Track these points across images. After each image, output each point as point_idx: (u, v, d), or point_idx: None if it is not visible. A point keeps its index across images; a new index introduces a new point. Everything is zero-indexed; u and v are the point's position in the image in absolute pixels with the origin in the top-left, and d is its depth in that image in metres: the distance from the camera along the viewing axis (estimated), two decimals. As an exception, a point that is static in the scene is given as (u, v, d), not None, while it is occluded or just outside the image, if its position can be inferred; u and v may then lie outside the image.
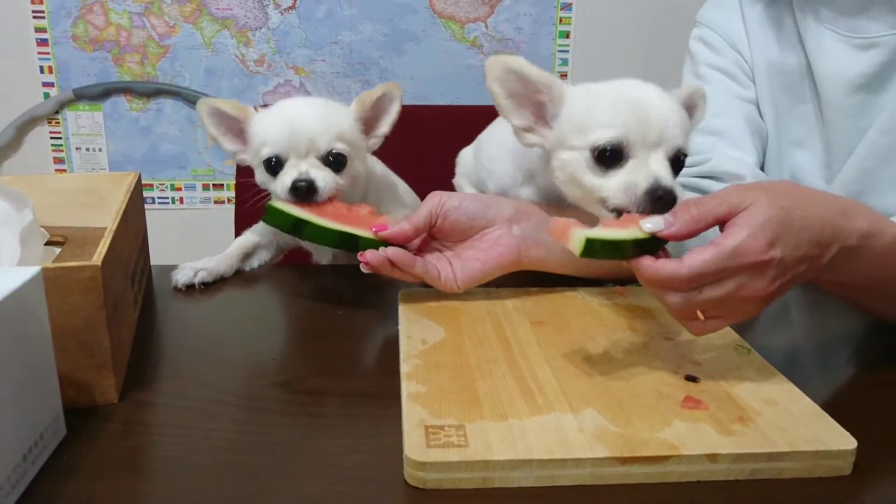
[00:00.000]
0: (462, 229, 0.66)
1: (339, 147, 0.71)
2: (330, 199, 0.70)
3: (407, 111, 1.54)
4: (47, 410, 0.45)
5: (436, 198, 0.66)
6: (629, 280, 0.71)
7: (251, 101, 1.77)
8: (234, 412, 0.50)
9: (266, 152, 0.70)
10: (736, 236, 0.48)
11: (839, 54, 0.78)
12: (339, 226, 0.64)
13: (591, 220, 0.54)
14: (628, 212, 0.57)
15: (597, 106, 0.61)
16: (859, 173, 0.77)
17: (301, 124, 0.70)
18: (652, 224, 0.50)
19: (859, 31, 0.77)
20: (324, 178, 0.69)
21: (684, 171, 0.80)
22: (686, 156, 0.61)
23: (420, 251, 0.66)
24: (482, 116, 0.81)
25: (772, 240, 0.48)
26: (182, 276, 0.71)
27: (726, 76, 0.85)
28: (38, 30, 1.73)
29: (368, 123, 0.77)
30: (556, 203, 0.68)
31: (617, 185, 0.58)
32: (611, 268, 0.70)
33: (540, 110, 0.63)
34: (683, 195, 0.58)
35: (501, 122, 0.74)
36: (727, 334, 0.59)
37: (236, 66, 1.79)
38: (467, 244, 0.67)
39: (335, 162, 0.71)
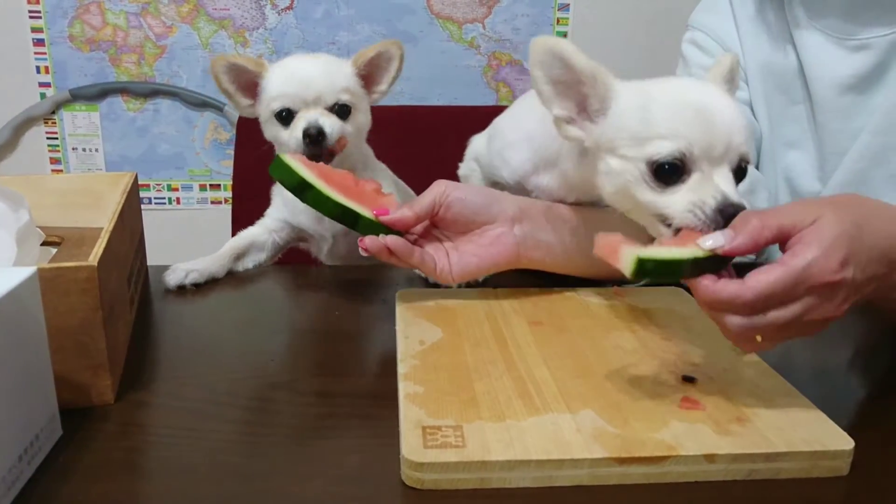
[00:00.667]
0: (464, 222, 0.65)
1: (345, 98, 0.77)
2: (335, 149, 0.75)
3: (405, 111, 1.55)
4: (43, 411, 0.45)
5: (441, 186, 0.64)
6: (628, 281, 0.71)
7: (248, 102, 1.78)
8: (231, 413, 0.50)
9: (277, 105, 0.76)
10: (805, 255, 0.44)
11: (830, 55, 0.78)
12: (342, 198, 0.62)
13: (623, 227, 0.51)
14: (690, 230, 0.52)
15: (655, 112, 0.54)
16: (853, 174, 0.77)
17: (309, 78, 0.76)
18: (713, 241, 0.46)
19: (851, 33, 0.77)
20: (331, 124, 0.75)
21: None
22: (748, 163, 0.56)
23: (420, 237, 0.65)
24: (480, 117, 0.81)
25: (844, 259, 0.44)
26: (173, 278, 0.71)
27: None
28: (34, 30, 1.72)
29: (368, 79, 0.80)
30: (575, 194, 0.67)
31: (682, 204, 0.53)
32: (611, 270, 0.70)
33: (584, 101, 0.58)
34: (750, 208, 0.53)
35: (522, 105, 0.74)
36: (725, 335, 0.59)
37: (233, 67, 1.79)
38: (467, 238, 0.66)
39: (341, 112, 0.77)
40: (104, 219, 0.58)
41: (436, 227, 0.67)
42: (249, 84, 0.78)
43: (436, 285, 0.68)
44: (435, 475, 0.42)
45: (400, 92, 1.82)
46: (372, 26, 1.78)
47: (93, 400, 0.50)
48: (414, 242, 0.64)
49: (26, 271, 0.44)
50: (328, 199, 0.62)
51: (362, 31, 1.78)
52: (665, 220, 0.54)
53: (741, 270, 0.47)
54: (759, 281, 0.44)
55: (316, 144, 0.74)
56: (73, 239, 0.70)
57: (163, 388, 0.53)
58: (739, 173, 0.55)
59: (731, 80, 0.61)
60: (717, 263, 0.46)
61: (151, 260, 0.77)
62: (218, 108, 1.80)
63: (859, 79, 0.77)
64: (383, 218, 0.63)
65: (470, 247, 0.65)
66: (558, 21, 1.81)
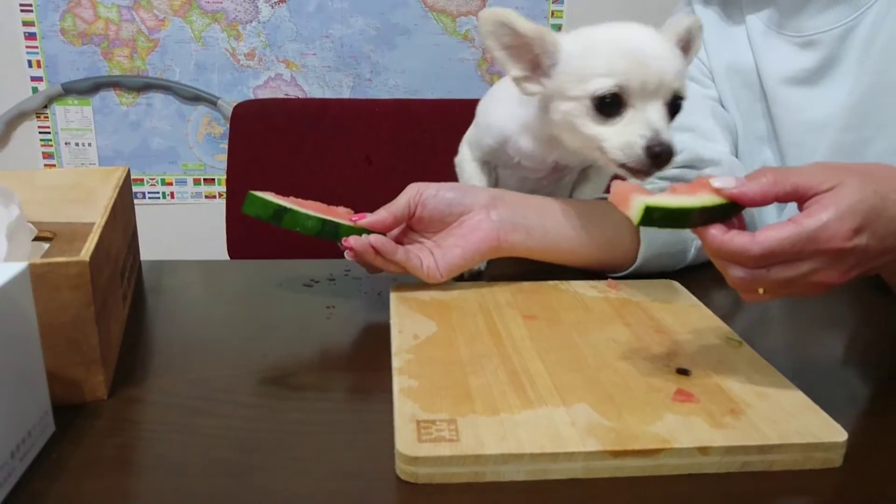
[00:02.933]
0: (441, 216, 0.67)
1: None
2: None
3: (399, 105, 1.55)
4: (35, 407, 0.45)
5: (413, 188, 0.67)
6: (617, 272, 0.71)
7: (242, 97, 1.77)
8: (224, 408, 0.50)
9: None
10: (820, 216, 0.44)
11: (781, 53, 0.81)
12: (320, 214, 0.65)
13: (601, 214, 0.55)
14: (630, 168, 0.59)
15: (594, 54, 0.61)
16: None
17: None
18: (722, 182, 0.46)
19: (799, 30, 0.80)
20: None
21: None
22: (683, 99, 0.61)
23: (399, 243, 0.66)
24: (474, 110, 0.81)
25: (860, 226, 0.44)
26: None
27: (688, 79, 0.88)
28: (25, 23, 1.71)
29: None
30: (551, 151, 0.70)
31: (616, 140, 0.59)
32: (597, 258, 0.71)
33: (536, 60, 0.64)
34: (680, 151, 0.61)
35: (501, 83, 0.76)
36: (719, 327, 0.59)
37: (227, 60, 1.78)
38: (447, 232, 0.67)
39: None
40: (96, 214, 0.58)
41: (413, 230, 0.68)
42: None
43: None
44: (429, 469, 0.42)
45: (394, 85, 1.82)
46: (365, 19, 1.77)
47: (85, 396, 0.50)
48: None
49: (17, 267, 0.43)
50: (307, 216, 0.64)
51: (356, 24, 1.78)
52: (604, 153, 0.60)
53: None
54: (769, 237, 0.44)
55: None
56: (65, 234, 0.69)
57: (156, 384, 0.53)
58: (675, 108, 0.61)
59: (688, 41, 0.65)
60: (725, 213, 0.46)
61: (145, 255, 0.77)
62: (211, 103, 1.79)
63: (809, 72, 0.80)
64: (361, 222, 0.65)
65: (451, 240, 0.66)
66: (552, 14, 1.81)
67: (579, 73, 0.61)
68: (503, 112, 0.73)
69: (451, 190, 0.68)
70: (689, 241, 0.74)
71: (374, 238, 0.63)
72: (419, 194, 0.67)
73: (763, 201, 0.46)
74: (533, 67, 0.64)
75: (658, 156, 0.57)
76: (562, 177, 0.77)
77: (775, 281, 0.45)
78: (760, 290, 0.47)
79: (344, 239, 0.64)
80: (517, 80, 0.65)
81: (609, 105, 0.59)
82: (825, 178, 0.45)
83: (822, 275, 0.45)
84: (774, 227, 0.45)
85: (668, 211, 0.46)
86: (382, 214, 0.65)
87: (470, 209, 0.67)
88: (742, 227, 0.47)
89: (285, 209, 0.64)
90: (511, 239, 0.67)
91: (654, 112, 0.59)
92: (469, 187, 0.70)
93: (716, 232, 0.46)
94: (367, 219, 0.65)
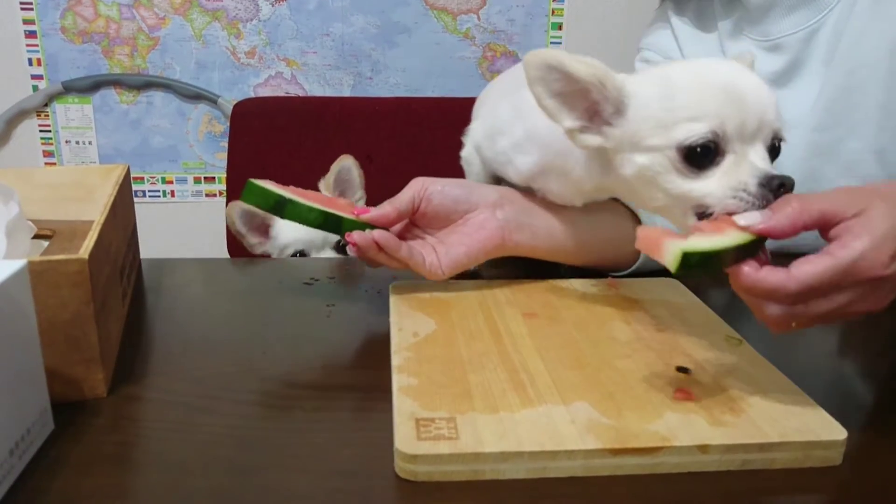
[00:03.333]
0: (445, 213, 0.66)
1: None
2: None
3: (399, 103, 1.54)
4: (35, 405, 0.45)
5: (418, 183, 0.66)
6: (619, 271, 0.71)
7: (243, 95, 1.77)
8: (223, 406, 0.50)
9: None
10: (855, 247, 0.42)
11: None
12: (322, 206, 0.64)
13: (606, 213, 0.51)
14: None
15: (679, 95, 0.51)
16: (804, 171, 0.79)
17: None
18: (748, 219, 0.44)
19: (765, 34, 0.82)
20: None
21: None
22: (782, 140, 0.52)
23: (403, 239, 0.65)
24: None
25: (895, 252, 0.43)
26: None
27: None
28: (26, 21, 1.71)
29: (343, 195, 0.78)
30: (585, 199, 0.65)
31: (721, 189, 0.49)
32: (600, 257, 0.71)
33: (594, 106, 0.54)
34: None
35: (525, 94, 0.62)
36: (719, 326, 0.59)
37: (227, 59, 1.78)
38: (450, 229, 0.66)
39: (774, 153, 0.52)
40: (96, 212, 0.57)
41: (417, 226, 0.67)
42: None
43: None
44: (428, 467, 0.42)
45: (394, 84, 1.82)
46: (366, 17, 1.77)
47: (85, 394, 0.50)
48: None
49: (16, 264, 0.43)
50: (309, 208, 0.62)
51: (356, 23, 1.77)
52: (704, 210, 0.50)
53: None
54: (805, 272, 0.43)
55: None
56: (65, 232, 0.69)
57: (155, 381, 0.53)
58: (773, 153, 0.51)
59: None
60: (755, 249, 0.45)
61: (145, 253, 0.77)
62: (212, 101, 1.79)
63: (776, 75, 0.81)
64: (364, 216, 0.63)
65: (455, 237, 0.65)
66: (553, 12, 1.80)
67: (659, 119, 0.51)
68: (534, 153, 0.64)
69: (458, 186, 0.67)
70: None
71: (378, 233, 0.62)
72: (424, 189, 0.65)
73: (792, 232, 0.44)
74: (590, 116, 0.54)
75: (782, 185, 0.47)
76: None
77: (813, 316, 0.44)
78: (793, 324, 0.45)
79: (347, 234, 0.62)
80: (571, 133, 0.55)
81: (701, 156, 0.49)
82: (851, 203, 0.44)
83: (860, 304, 0.44)
84: (809, 260, 0.43)
85: (705, 254, 0.44)
86: (386, 209, 0.64)
87: (475, 207, 0.66)
88: (768, 260, 0.45)
89: (287, 200, 0.62)
90: (516, 238, 0.66)
91: (757, 157, 0.49)
92: (475, 185, 0.69)
93: (749, 270, 0.44)
94: (371, 213, 0.64)
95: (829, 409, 0.47)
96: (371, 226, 0.63)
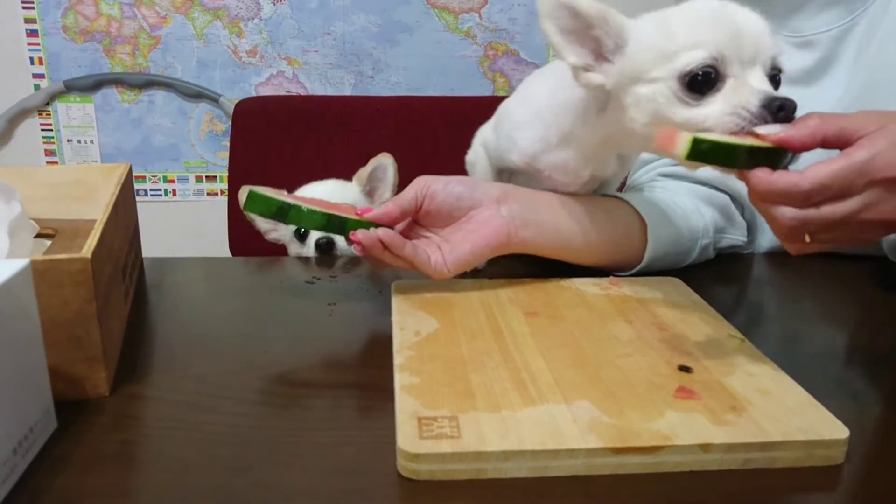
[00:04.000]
0: (448, 210, 0.65)
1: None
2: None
3: (400, 102, 1.54)
4: (37, 404, 0.45)
5: (421, 181, 0.65)
6: (624, 271, 0.71)
7: (244, 94, 1.77)
8: (225, 405, 0.50)
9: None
10: (870, 148, 0.43)
11: None
12: (325, 209, 0.63)
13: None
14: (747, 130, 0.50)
15: (677, 27, 0.53)
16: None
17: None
18: (768, 128, 0.45)
19: (796, 31, 0.80)
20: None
21: (661, 161, 0.81)
22: (781, 72, 0.54)
23: (406, 238, 0.65)
24: (476, 108, 0.81)
25: None
26: None
27: None
28: (27, 20, 1.71)
29: (371, 193, 0.79)
30: (591, 166, 0.67)
31: (721, 110, 0.50)
32: (605, 256, 0.71)
33: (598, 45, 0.57)
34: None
35: (529, 85, 0.72)
36: (721, 324, 0.59)
37: (229, 58, 1.78)
38: (455, 227, 0.66)
39: (774, 81, 0.53)
40: (98, 211, 0.58)
41: (420, 224, 0.67)
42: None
43: None
44: (430, 466, 0.42)
45: (396, 83, 1.82)
46: (368, 16, 1.77)
47: (87, 392, 0.50)
48: None
49: (19, 263, 0.43)
50: (312, 211, 0.62)
51: (358, 22, 1.77)
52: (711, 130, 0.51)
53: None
54: (818, 171, 0.43)
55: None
56: (67, 231, 0.69)
57: (157, 380, 0.53)
58: (774, 84, 0.52)
59: None
60: (772, 161, 0.45)
61: (147, 252, 0.77)
62: (213, 100, 1.79)
63: (804, 73, 0.80)
64: (368, 215, 0.63)
65: (460, 235, 0.65)
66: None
67: (660, 50, 0.53)
68: (537, 128, 0.67)
69: (460, 184, 0.66)
70: (695, 240, 0.74)
71: (383, 232, 0.61)
72: (427, 187, 0.65)
73: (812, 143, 0.44)
74: (595, 55, 0.57)
75: (781, 107, 0.48)
76: (590, 189, 0.74)
77: (826, 221, 0.44)
78: (807, 238, 0.45)
79: (352, 233, 0.62)
80: (575, 70, 0.58)
81: (702, 83, 0.51)
82: (872, 120, 0.44)
83: (876, 210, 0.44)
84: (824, 162, 0.43)
85: (716, 144, 0.45)
86: (389, 207, 0.64)
87: (479, 203, 0.65)
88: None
89: (289, 206, 0.62)
90: (521, 235, 0.66)
91: (757, 79, 0.51)
92: (478, 181, 0.69)
93: (762, 173, 0.45)
94: (374, 212, 0.63)
95: (832, 407, 0.47)
96: (376, 225, 0.63)
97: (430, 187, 0.65)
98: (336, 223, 0.63)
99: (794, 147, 0.45)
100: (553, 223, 0.67)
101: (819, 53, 0.79)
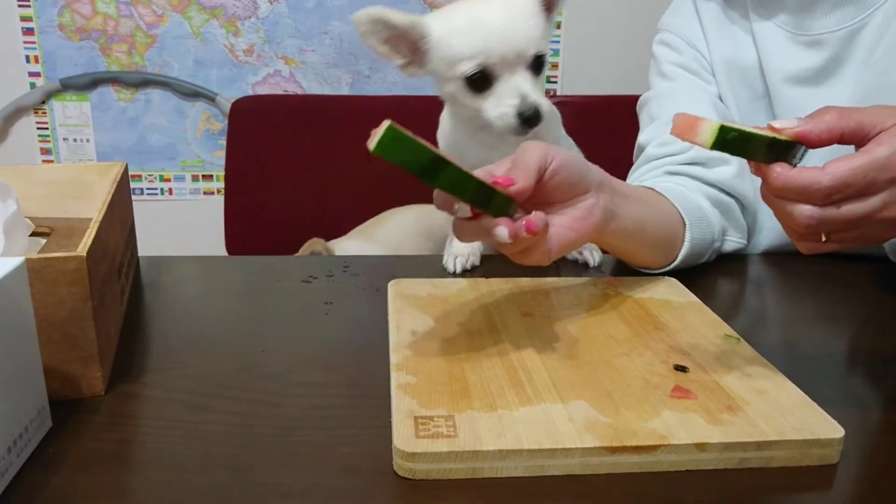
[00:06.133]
0: (565, 189, 0.56)
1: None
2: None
3: (398, 101, 1.54)
4: (32, 402, 0.45)
5: (539, 149, 0.54)
6: (654, 269, 0.71)
7: (241, 93, 1.77)
8: (222, 404, 0.50)
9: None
10: (889, 144, 0.42)
11: (787, 51, 0.80)
12: (475, 175, 0.49)
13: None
14: (510, 132, 0.67)
15: (456, 37, 0.67)
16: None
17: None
18: (783, 123, 0.45)
19: (805, 29, 0.79)
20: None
21: (669, 159, 0.81)
22: (545, 55, 0.68)
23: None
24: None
25: None
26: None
27: (689, 73, 0.87)
28: (23, 18, 1.71)
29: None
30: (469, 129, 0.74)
31: (493, 112, 0.67)
32: (652, 256, 0.70)
33: (414, 45, 0.69)
34: (551, 108, 0.69)
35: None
36: (717, 324, 0.59)
37: (225, 57, 1.77)
38: (559, 209, 0.56)
39: (538, 65, 0.69)
40: (94, 209, 0.57)
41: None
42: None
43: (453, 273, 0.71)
44: (427, 465, 0.42)
45: (392, 82, 1.82)
46: (365, 16, 1.77)
47: (83, 391, 0.50)
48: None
49: (14, 261, 0.43)
50: (466, 177, 0.48)
51: (355, 21, 1.77)
52: (490, 124, 0.68)
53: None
54: (839, 167, 0.42)
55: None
56: (63, 230, 0.69)
57: (153, 379, 0.53)
58: (539, 66, 0.68)
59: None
60: (786, 155, 0.45)
61: (143, 251, 0.77)
62: (210, 99, 1.79)
63: (813, 72, 0.79)
64: (513, 189, 0.51)
65: (564, 219, 0.56)
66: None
67: (447, 57, 0.67)
68: (444, 127, 0.78)
69: (578, 163, 0.58)
70: (713, 242, 0.75)
71: (539, 218, 0.50)
72: (548, 158, 0.54)
73: (829, 139, 0.44)
74: (413, 52, 0.69)
75: (529, 119, 0.66)
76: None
77: (846, 220, 0.43)
78: (823, 238, 0.44)
79: (527, 219, 0.50)
80: (402, 68, 0.70)
81: (479, 81, 0.67)
82: (888, 115, 0.43)
83: (894, 208, 0.43)
84: (844, 157, 0.42)
85: (742, 134, 0.44)
86: (526, 180, 0.51)
87: (588, 188, 0.57)
88: None
89: (444, 161, 0.47)
90: (609, 229, 0.60)
91: (520, 79, 0.67)
92: (587, 163, 0.60)
93: (780, 168, 0.44)
94: (518, 185, 0.51)
95: (827, 407, 0.47)
96: (510, 201, 0.52)
97: (555, 160, 0.54)
98: (483, 195, 0.50)
99: (811, 142, 0.44)
100: (628, 218, 0.62)
101: (828, 53, 0.78)
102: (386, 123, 0.45)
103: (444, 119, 0.79)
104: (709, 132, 0.44)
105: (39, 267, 0.46)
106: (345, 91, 1.82)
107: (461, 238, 0.54)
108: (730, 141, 0.44)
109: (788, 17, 0.81)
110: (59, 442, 0.45)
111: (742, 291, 0.77)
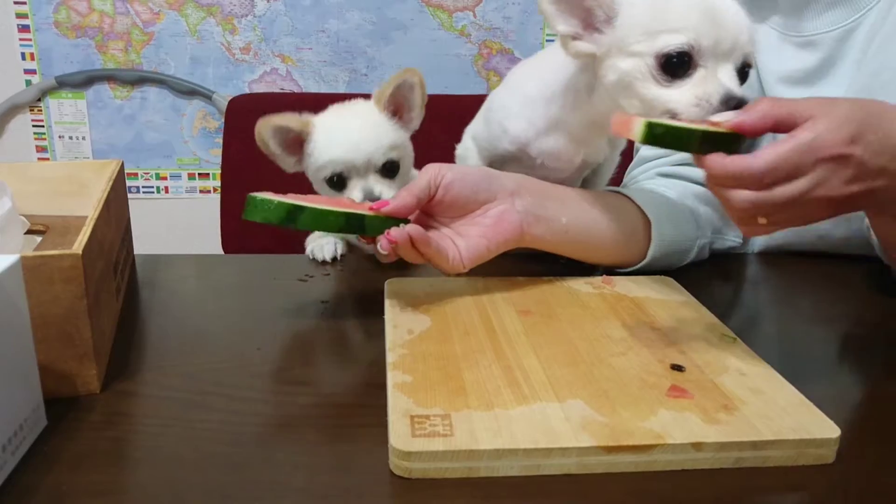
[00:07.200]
0: (463, 202, 0.62)
1: (393, 155, 0.73)
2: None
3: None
4: (27, 401, 0.45)
5: (433, 169, 0.61)
6: (623, 268, 0.71)
7: (237, 91, 1.76)
8: (217, 402, 0.50)
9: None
10: (815, 128, 0.45)
11: (781, 52, 0.81)
12: (341, 208, 0.58)
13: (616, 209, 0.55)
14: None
15: (666, 6, 0.56)
16: None
17: (356, 143, 0.72)
18: (721, 116, 0.48)
19: (799, 31, 0.80)
20: (387, 191, 0.72)
21: (661, 160, 0.81)
22: (751, 66, 0.58)
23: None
24: (471, 106, 0.81)
25: (853, 135, 0.45)
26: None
27: None
28: (19, 16, 1.70)
29: (397, 112, 0.76)
30: (582, 150, 0.69)
31: (688, 97, 0.55)
32: (608, 253, 0.70)
33: (588, 15, 0.59)
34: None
35: (517, 75, 0.73)
36: (713, 324, 0.59)
37: (222, 54, 1.77)
38: (468, 220, 0.63)
39: (390, 169, 0.73)
40: (89, 207, 0.57)
41: (430, 215, 0.64)
42: (294, 142, 0.75)
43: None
44: (423, 464, 0.42)
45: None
46: (362, 14, 1.77)
47: (78, 389, 0.49)
48: None
49: (9, 259, 0.43)
50: (327, 212, 0.57)
51: (352, 19, 1.77)
52: (672, 116, 0.56)
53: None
54: (768, 153, 0.45)
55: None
56: (58, 227, 0.69)
57: (149, 377, 0.53)
58: (742, 77, 0.57)
59: None
60: (726, 146, 0.47)
61: (139, 249, 0.77)
62: (206, 97, 1.78)
63: (807, 73, 0.80)
64: (385, 209, 0.59)
65: (475, 229, 0.62)
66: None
67: (645, 27, 0.56)
68: (526, 115, 0.68)
69: (477, 175, 0.63)
70: (694, 240, 0.74)
71: (412, 229, 0.58)
72: (440, 176, 0.61)
73: (763, 127, 0.47)
74: (585, 25, 0.60)
75: (739, 105, 0.53)
76: (582, 174, 0.75)
77: (778, 202, 0.46)
78: (762, 220, 0.47)
79: (387, 233, 0.58)
80: (564, 40, 0.60)
81: (676, 65, 0.55)
82: (821, 105, 0.47)
83: (825, 187, 0.46)
84: (773, 143, 0.45)
85: (670, 129, 0.47)
86: (406, 199, 0.59)
87: (495, 197, 0.62)
88: None
89: (301, 208, 0.57)
90: (534, 232, 0.64)
91: (726, 75, 0.55)
92: (493, 172, 0.65)
93: (716, 157, 0.47)
94: (391, 205, 0.59)
95: (823, 407, 0.47)
96: (394, 221, 0.59)
97: (445, 177, 0.61)
98: (355, 222, 0.58)
99: (747, 131, 0.47)
100: (562, 220, 0.65)
101: (821, 54, 0.79)
102: (248, 195, 0.56)
103: None
104: (638, 128, 0.47)
105: (35, 265, 0.46)
106: (342, 89, 1.82)
107: (386, 260, 0.61)
108: (659, 136, 0.47)
109: (781, 19, 0.81)
110: (54, 440, 0.45)
111: (738, 291, 0.78)
